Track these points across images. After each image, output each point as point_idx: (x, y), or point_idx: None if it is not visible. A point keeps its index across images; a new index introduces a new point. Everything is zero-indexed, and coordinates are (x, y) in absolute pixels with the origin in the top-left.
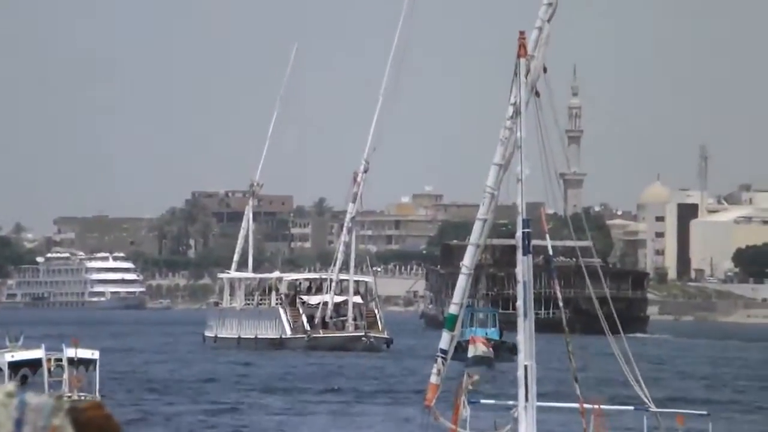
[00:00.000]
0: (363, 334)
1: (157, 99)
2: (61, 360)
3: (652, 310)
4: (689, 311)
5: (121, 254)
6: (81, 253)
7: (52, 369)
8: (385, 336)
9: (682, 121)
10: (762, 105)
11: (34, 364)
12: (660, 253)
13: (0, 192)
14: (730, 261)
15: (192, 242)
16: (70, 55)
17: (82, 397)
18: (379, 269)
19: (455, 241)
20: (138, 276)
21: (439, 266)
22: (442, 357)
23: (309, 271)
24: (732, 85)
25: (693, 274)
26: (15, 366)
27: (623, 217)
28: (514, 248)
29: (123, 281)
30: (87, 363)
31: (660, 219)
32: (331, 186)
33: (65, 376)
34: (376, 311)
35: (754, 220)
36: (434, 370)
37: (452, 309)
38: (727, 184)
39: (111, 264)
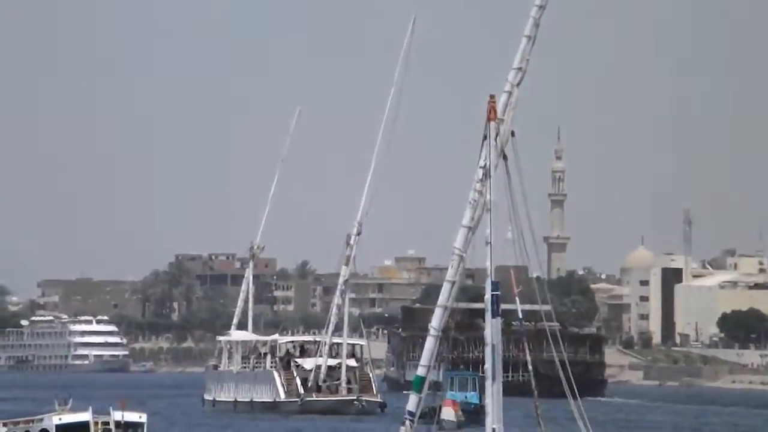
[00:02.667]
0: (356, 397)
1: (139, 159)
2: (108, 423)
3: (636, 375)
4: (674, 376)
5: (105, 317)
6: (65, 316)
7: None
8: (379, 400)
9: (667, 186)
10: (746, 170)
11: (82, 428)
12: (644, 317)
13: None
14: (715, 326)
15: (175, 305)
16: (56, 119)
17: None
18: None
19: (417, 305)
20: (121, 339)
21: (400, 329)
22: (410, 419)
23: (292, 334)
24: (717, 149)
25: (678, 339)
26: (63, 429)
27: (607, 281)
28: (474, 311)
29: (106, 344)
30: (135, 427)
31: (644, 283)
32: (314, 249)
33: None
34: (370, 374)
35: (739, 285)
36: None
37: (420, 371)
38: (712, 248)
39: (94, 327)
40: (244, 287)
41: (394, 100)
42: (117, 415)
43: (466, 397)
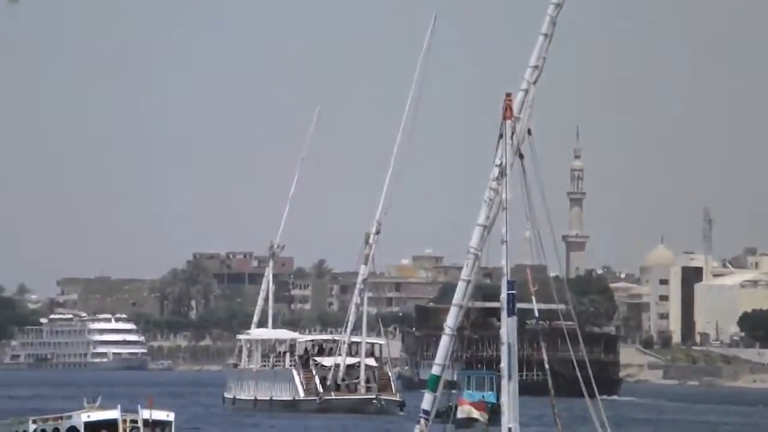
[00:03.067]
0: (374, 396)
1: (158, 158)
2: (136, 421)
3: (656, 374)
4: (694, 376)
5: (123, 315)
6: (84, 314)
7: (128, 430)
8: (398, 399)
9: (687, 184)
10: (766, 168)
11: (111, 425)
12: (664, 316)
13: (3, 253)
14: (736, 325)
15: (193, 303)
16: (69, 119)
17: None
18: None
19: (431, 304)
20: (140, 337)
21: (414, 328)
22: (425, 417)
23: (310, 332)
24: (737, 147)
25: (698, 338)
26: (91, 427)
27: (626, 280)
28: (489, 310)
29: (125, 342)
30: (162, 425)
31: (664, 282)
32: (330, 248)
33: None
34: (389, 374)
35: (760, 284)
36: (416, 431)
37: (435, 370)
38: (733, 247)
39: (113, 325)
40: (264, 286)
41: (414, 99)
42: (145, 414)
43: (483, 397)
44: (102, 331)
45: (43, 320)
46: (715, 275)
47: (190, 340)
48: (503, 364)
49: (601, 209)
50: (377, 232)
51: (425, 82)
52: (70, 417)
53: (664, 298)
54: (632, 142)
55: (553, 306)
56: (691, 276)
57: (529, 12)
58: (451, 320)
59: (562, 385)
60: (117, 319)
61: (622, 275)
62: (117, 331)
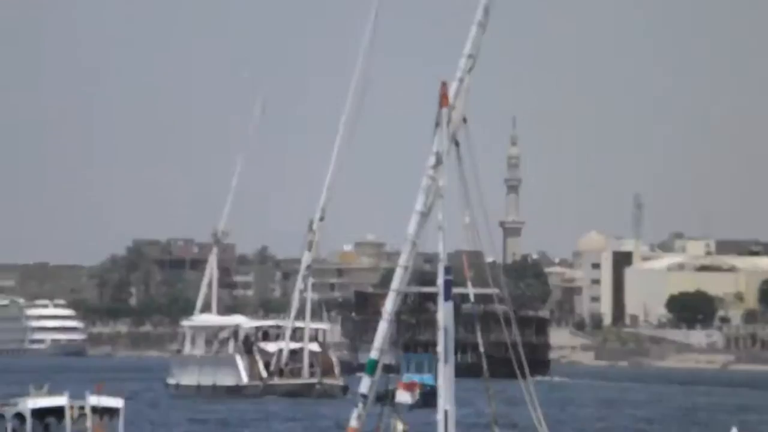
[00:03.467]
0: (318, 381)
1: (98, 142)
2: (83, 408)
3: (588, 356)
4: (624, 357)
5: (62, 301)
6: (21, 300)
7: (74, 417)
8: (341, 383)
9: (618, 171)
10: (694, 156)
11: (58, 412)
12: (596, 299)
13: None
14: (664, 307)
15: (133, 290)
16: (23, 105)
17: None
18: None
19: (370, 290)
20: (78, 323)
21: (353, 313)
22: (363, 401)
23: (251, 318)
24: (667, 136)
25: (628, 320)
26: (38, 413)
27: (560, 264)
28: (426, 295)
29: (63, 329)
30: (111, 412)
31: (596, 266)
32: (273, 235)
33: (88, 424)
34: (333, 358)
35: (687, 268)
36: (354, 415)
37: (373, 354)
38: (661, 232)
39: (51, 311)
40: (207, 272)
41: (356, 91)
42: (93, 400)
43: (422, 379)
44: (40, 317)
45: None
46: (644, 259)
47: (130, 326)
48: (439, 348)
49: (537, 196)
50: (321, 219)
51: (368, 73)
52: (16, 404)
53: (596, 281)
54: (567, 131)
55: (487, 290)
56: (622, 260)
57: (470, 2)
58: (389, 305)
59: (495, 367)
60: (55, 306)
61: (557, 260)
62: (55, 318)
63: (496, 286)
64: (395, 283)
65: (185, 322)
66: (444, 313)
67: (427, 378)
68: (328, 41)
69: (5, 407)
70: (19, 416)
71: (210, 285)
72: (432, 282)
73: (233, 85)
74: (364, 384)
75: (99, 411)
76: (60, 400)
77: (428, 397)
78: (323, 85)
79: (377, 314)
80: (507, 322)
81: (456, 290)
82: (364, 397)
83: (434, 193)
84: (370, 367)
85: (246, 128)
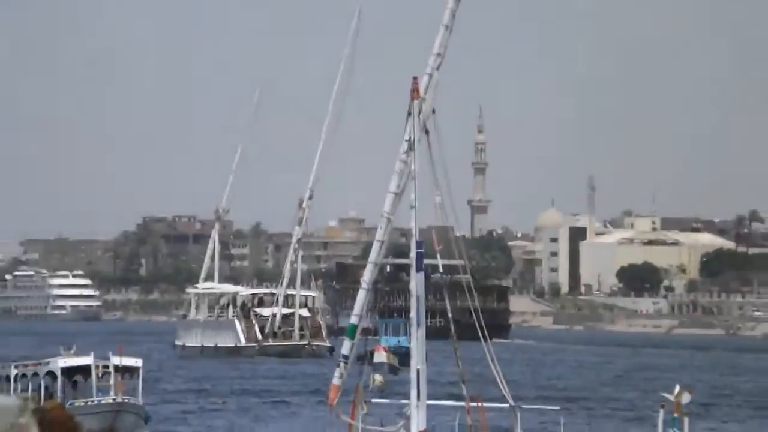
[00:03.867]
0: (307, 342)
1: (111, 127)
2: (108, 367)
3: (547, 321)
4: (579, 322)
5: (80, 272)
6: (44, 271)
7: (99, 375)
8: (328, 344)
9: (573, 155)
10: (642, 141)
11: (85, 371)
12: (554, 270)
13: None
14: (615, 277)
15: (143, 261)
16: (45, 85)
17: (127, 400)
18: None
19: (350, 261)
20: (94, 291)
21: (334, 282)
22: (344, 361)
23: (247, 287)
24: (618, 122)
25: (583, 289)
26: (68, 372)
27: (522, 239)
28: (399, 266)
29: (81, 296)
30: (131, 370)
31: (554, 240)
32: (266, 211)
33: (111, 381)
34: (321, 322)
35: (635, 242)
36: (337, 374)
37: (353, 320)
38: (612, 210)
39: (71, 281)
40: (210, 245)
41: (342, 79)
42: (116, 360)
43: (398, 341)
44: (61, 286)
45: (8, 277)
46: (597, 234)
47: (139, 294)
48: (412, 314)
49: (501, 177)
50: (310, 197)
51: (353, 65)
52: (48, 363)
53: (554, 254)
54: (528, 119)
55: (453, 262)
56: (577, 235)
57: (438, 5)
58: (367, 275)
59: (461, 330)
60: (74, 276)
61: (519, 234)
62: (74, 286)
63: (460, 259)
64: (372, 256)
65: (190, 290)
66: (416, 282)
67: (402, 340)
68: (320, 41)
69: (39, 366)
70: (51, 374)
71: (213, 257)
72: (406, 254)
73: (233, 77)
74: (346, 346)
75: (121, 370)
76: (86, 360)
77: (404, 358)
78: (314, 74)
79: (356, 283)
80: (470, 290)
81: (426, 261)
82: (345, 357)
83: (407, 176)
84: (351, 331)
85: (245, 116)
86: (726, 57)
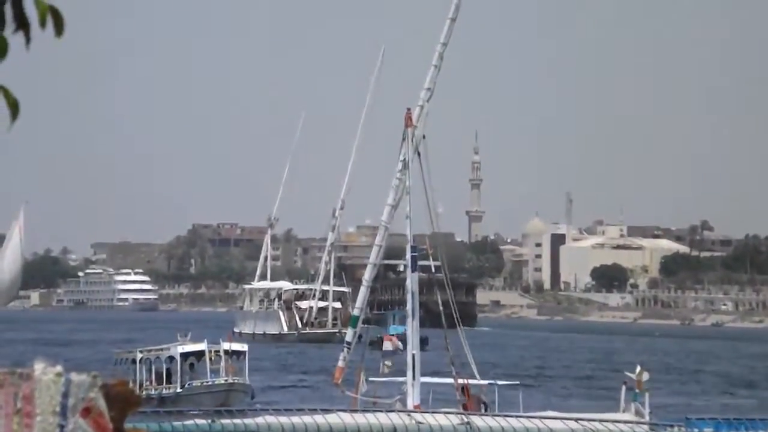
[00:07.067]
0: (338, 330)
1: (169, 149)
2: (219, 351)
3: (532, 312)
4: (559, 313)
5: (140, 270)
6: (111, 269)
7: (212, 358)
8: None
9: (555, 172)
10: (610, 162)
11: (200, 354)
12: (538, 270)
13: (51, 224)
14: (589, 276)
15: (192, 261)
16: (105, 110)
17: (236, 380)
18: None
19: (349, 261)
20: (152, 287)
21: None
22: (347, 347)
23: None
24: (593, 142)
25: (562, 286)
26: (185, 356)
27: (511, 243)
28: (386, 266)
29: (141, 290)
30: (239, 354)
31: (538, 245)
32: (296, 220)
33: (222, 364)
34: (351, 312)
35: (606, 246)
36: (341, 357)
37: (355, 312)
38: (586, 219)
39: (133, 278)
40: (264, 249)
41: (367, 114)
42: (225, 345)
43: (404, 330)
44: (124, 282)
45: (81, 274)
46: (574, 240)
47: (190, 289)
48: (408, 307)
49: (494, 191)
50: (341, 208)
51: (377, 99)
52: (168, 348)
53: (538, 256)
54: (517, 142)
55: (432, 263)
56: (557, 240)
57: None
58: (367, 274)
59: (435, 319)
60: (135, 273)
61: (509, 240)
62: (135, 282)
63: (456, 261)
64: (372, 257)
65: (246, 286)
66: (411, 280)
67: (399, 328)
68: (352, 73)
69: (161, 351)
70: (170, 358)
71: (266, 258)
72: (393, 257)
73: (272, 104)
74: (349, 334)
75: (230, 354)
76: (201, 346)
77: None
78: (344, 105)
79: (354, 281)
80: (442, 286)
81: (394, 262)
82: (348, 344)
83: (402, 190)
84: (353, 321)
85: (292, 136)
86: (689, 78)
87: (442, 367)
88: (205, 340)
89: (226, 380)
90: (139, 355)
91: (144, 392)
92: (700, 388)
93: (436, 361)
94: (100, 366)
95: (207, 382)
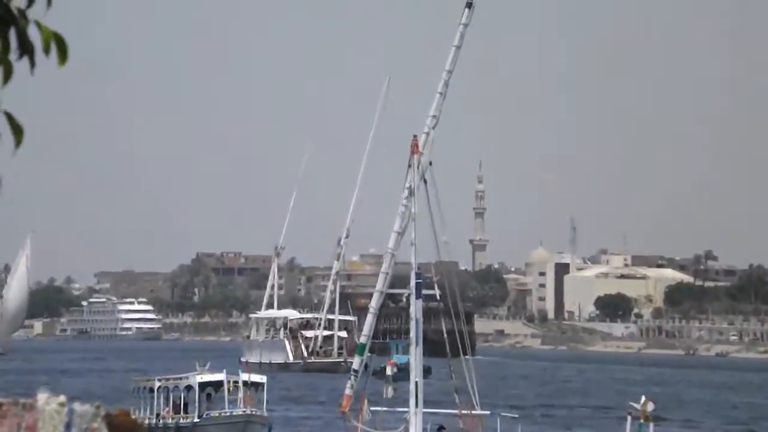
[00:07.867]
0: (344, 359)
1: (171, 179)
2: (237, 382)
3: (536, 342)
4: (563, 342)
5: (144, 299)
6: (114, 298)
7: (230, 389)
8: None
9: (558, 202)
10: (615, 193)
11: (217, 385)
12: (542, 299)
13: (54, 254)
14: (593, 305)
15: (196, 290)
16: (110, 141)
17: (254, 412)
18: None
19: (350, 290)
20: (156, 315)
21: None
22: (354, 375)
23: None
24: (595, 173)
25: (566, 315)
26: (203, 385)
27: (515, 272)
28: (387, 295)
29: (145, 319)
30: (257, 385)
31: (542, 274)
32: (298, 249)
33: (240, 395)
34: (357, 342)
35: (610, 276)
36: (348, 385)
37: (362, 339)
38: (590, 248)
39: (136, 307)
40: (270, 277)
41: (373, 140)
42: (245, 376)
43: (408, 359)
44: (128, 311)
45: (84, 303)
46: (578, 269)
47: (193, 318)
48: (411, 334)
49: (498, 220)
50: (347, 236)
51: (381, 131)
52: (187, 378)
53: (542, 285)
54: (518, 172)
55: (431, 291)
56: (561, 269)
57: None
58: (374, 302)
59: (436, 348)
60: (139, 302)
61: (513, 269)
62: (139, 311)
63: (460, 290)
64: (379, 285)
65: (252, 315)
66: (415, 308)
67: (402, 357)
68: (358, 102)
69: (180, 380)
70: (189, 387)
71: (273, 287)
72: (396, 285)
73: (281, 136)
74: (355, 362)
75: (248, 385)
76: (219, 376)
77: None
78: (350, 135)
79: (357, 309)
80: (443, 315)
81: (398, 291)
82: (356, 372)
83: (408, 218)
84: (360, 349)
85: (299, 166)
86: (693, 107)
87: (442, 396)
88: (224, 371)
89: (244, 411)
90: (157, 384)
91: (161, 421)
92: (706, 419)
93: (440, 390)
94: (114, 395)
95: (225, 412)
